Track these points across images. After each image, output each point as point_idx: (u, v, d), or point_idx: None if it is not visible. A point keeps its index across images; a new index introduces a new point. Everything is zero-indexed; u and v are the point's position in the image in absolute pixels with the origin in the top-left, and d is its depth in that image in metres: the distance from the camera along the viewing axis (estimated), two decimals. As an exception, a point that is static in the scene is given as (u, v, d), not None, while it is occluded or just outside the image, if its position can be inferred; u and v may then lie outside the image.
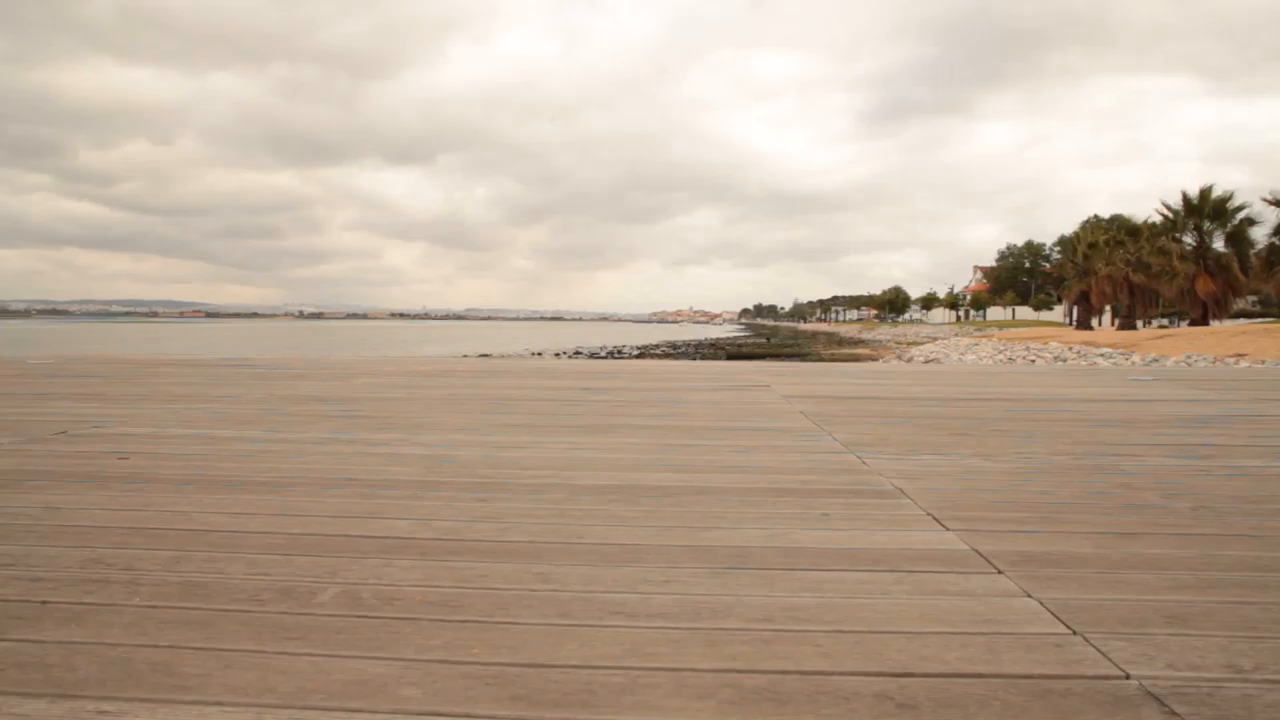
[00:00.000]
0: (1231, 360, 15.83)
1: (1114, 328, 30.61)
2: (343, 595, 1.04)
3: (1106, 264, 29.38)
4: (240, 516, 1.44)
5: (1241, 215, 25.25)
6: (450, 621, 0.95)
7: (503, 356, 19.84)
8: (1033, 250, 59.78)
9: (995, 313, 59.55)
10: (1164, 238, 26.87)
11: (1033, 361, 18.49)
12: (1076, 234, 34.02)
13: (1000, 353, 21.56)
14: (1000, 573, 1.15)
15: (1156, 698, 0.77)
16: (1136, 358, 17.71)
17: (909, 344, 34.84)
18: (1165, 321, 33.74)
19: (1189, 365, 14.57)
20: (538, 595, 1.04)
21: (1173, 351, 18.21)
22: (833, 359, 26.41)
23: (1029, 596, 1.05)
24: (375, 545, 1.27)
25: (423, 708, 0.75)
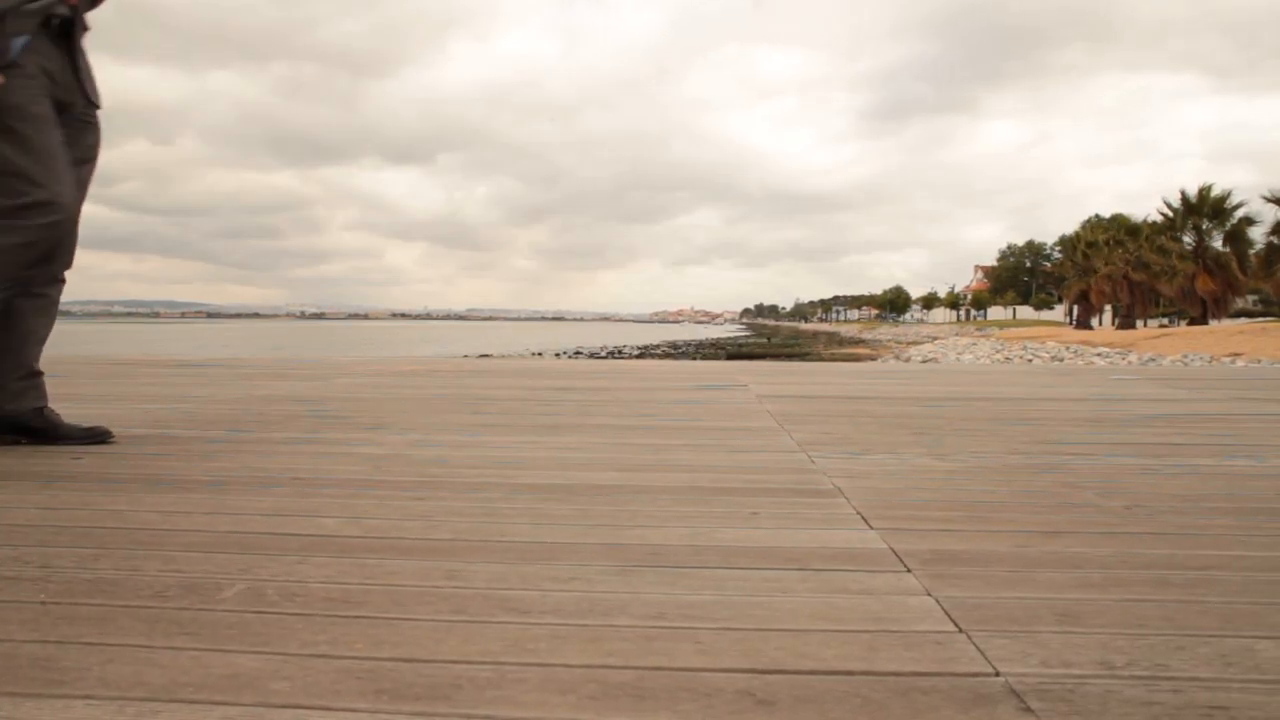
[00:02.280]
0: (1228, 360, 15.82)
1: (1114, 327, 30.59)
2: (247, 592, 1.05)
3: (1106, 263, 29.37)
4: (173, 515, 1.45)
5: (1240, 214, 25.22)
6: (344, 617, 0.96)
7: (503, 357, 19.86)
8: (1034, 250, 59.72)
9: (996, 312, 59.49)
10: (1163, 237, 26.85)
11: (1030, 361, 18.49)
12: (1077, 233, 34.02)
13: (998, 352, 21.54)
14: (908, 571, 1.15)
15: (1017, 694, 0.78)
16: (1133, 357, 17.71)
17: (908, 344, 34.84)
18: (1165, 321, 33.71)
19: (1185, 364, 14.56)
20: (440, 592, 1.06)
21: (1170, 351, 18.21)
22: (832, 359, 26.42)
23: (928, 595, 1.06)
24: (297, 543, 1.28)
25: (287, 700, 0.76)
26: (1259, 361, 14.70)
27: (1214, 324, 24.49)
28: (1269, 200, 22.78)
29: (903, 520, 1.44)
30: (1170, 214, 26.51)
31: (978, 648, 0.89)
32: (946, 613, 0.99)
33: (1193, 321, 25.69)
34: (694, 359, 26.50)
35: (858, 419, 2.86)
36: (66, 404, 3.18)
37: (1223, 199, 24.90)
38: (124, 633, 0.91)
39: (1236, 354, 16.78)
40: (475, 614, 0.98)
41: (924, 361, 20.77)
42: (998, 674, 0.83)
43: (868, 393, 3.92)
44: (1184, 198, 25.51)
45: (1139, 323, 29.39)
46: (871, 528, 1.39)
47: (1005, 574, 1.15)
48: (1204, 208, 25.12)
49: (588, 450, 2.16)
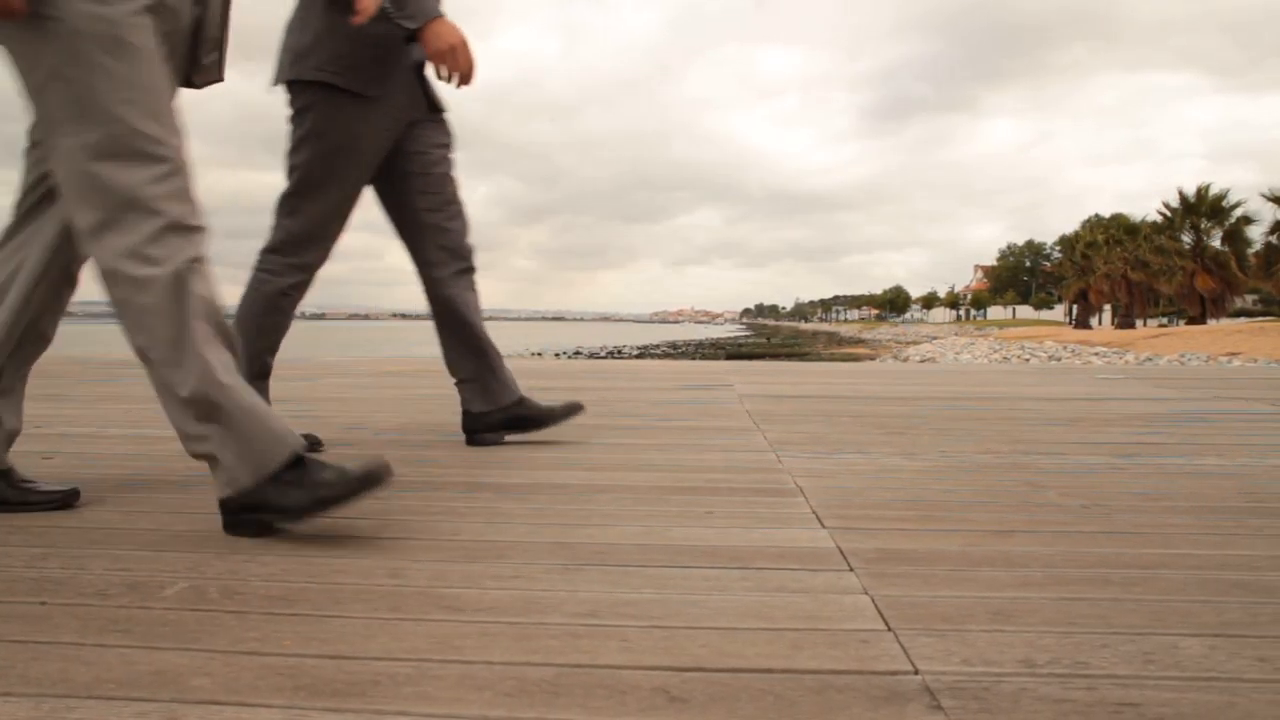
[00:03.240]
0: (1225, 359, 15.82)
1: (1113, 327, 30.58)
2: (189, 590, 1.06)
3: (1105, 263, 29.36)
4: (133, 515, 1.46)
5: (1238, 213, 25.22)
6: (279, 615, 0.97)
7: (506, 357, 19.82)
8: (1034, 249, 59.72)
9: (996, 312, 59.51)
10: (1162, 236, 26.85)
11: (1027, 360, 18.49)
12: (1076, 233, 34.05)
13: (995, 352, 21.54)
14: (850, 570, 1.16)
15: (932, 692, 0.79)
16: (1131, 356, 17.71)
17: (907, 343, 34.86)
18: (1165, 321, 33.70)
19: (1182, 364, 14.56)
20: (379, 590, 1.06)
21: (1168, 350, 18.20)
22: (831, 358, 26.44)
23: (865, 594, 1.06)
24: (249, 542, 1.28)
25: (203, 697, 0.76)
26: (1255, 361, 14.70)
27: (1212, 323, 24.49)
28: (1269, 199, 22.78)
29: (857, 520, 1.45)
30: (1169, 213, 26.53)
31: (903, 646, 0.89)
32: (879, 612, 1.00)
33: (1191, 321, 25.70)
34: (693, 359, 26.53)
35: (835, 418, 2.86)
36: (49, 404, 3.19)
37: (1220, 198, 24.93)
38: (57, 630, 0.92)
39: (1234, 353, 16.78)
40: (409, 612, 0.99)
41: (922, 361, 20.78)
42: (917, 672, 0.83)
43: (851, 392, 3.92)
44: (1182, 197, 25.55)
45: (1139, 322, 29.40)
46: (824, 527, 1.39)
47: (947, 573, 1.16)
48: (1202, 207, 25.15)
49: (558, 449, 2.17)
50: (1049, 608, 1.02)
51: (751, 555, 1.22)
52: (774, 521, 1.43)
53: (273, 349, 2.19)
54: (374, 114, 1.98)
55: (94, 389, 3.86)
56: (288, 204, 2.03)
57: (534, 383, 4.33)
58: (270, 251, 2.06)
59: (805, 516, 1.47)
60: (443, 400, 3.46)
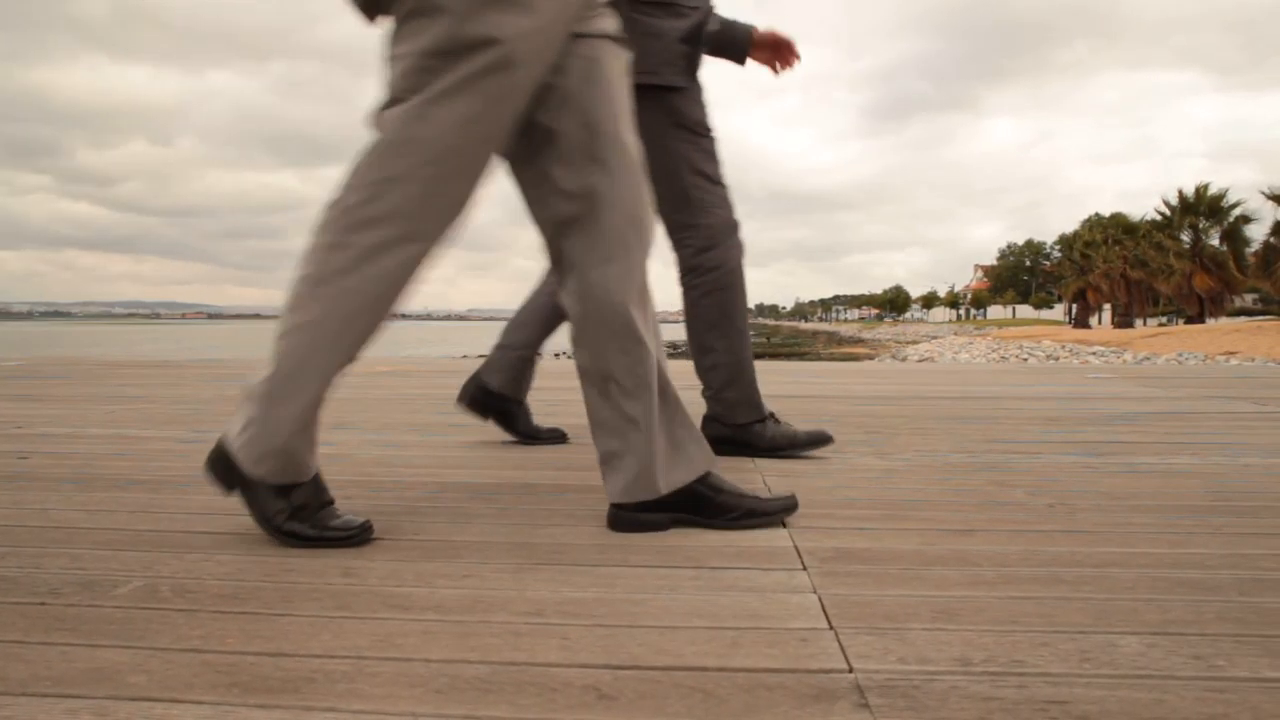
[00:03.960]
0: (1223, 358, 15.83)
1: (1112, 326, 30.58)
2: (142, 589, 1.07)
3: (1104, 262, 29.37)
4: (98, 514, 1.47)
5: (1237, 213, 25.23)
6: (227, 613, 0.98)
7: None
8: (1033, 249, 59.72)
9: (996, 311, 59.51)
10: (1161, 235, 26.86)
11: (1025, 360, 18.49)
12: (1076, 232, 34.07)
13: (994, 351, 21.54)
14: (803, 569, 1.17)
15: (861, 690, 0.79)
16: (1128, 356, 17.71)
17: (907, 343, 34.87)
18: (1164, 320, 33.69)
19: (1180, 363, 14.56)
20: (331, 588, 1.07)
21: (1165, 349, 18.20)
22: (830, 358, 26.44)
23: (813, 593, 1.07)
24: (210, 541, 1.29)
25: (137, 693, 0.77)
26: (1253, 360, 14.71)
27: (1211, 323, 24.50)
28: (1268, 197, 22.78)
29: (819, 519, 1.46)
30: (1168, 212, 26.56)
31: (841, 645, 0.90)
32: (824, 610, 1.00)
33: (1190, 320, 25.71)
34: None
35: (816, 418, 2.87)
36: (33, 405, 3.20)
37: (1219, 197, 24.95)
38: (4, 629, 0.93)
39: (1231, 352, 16.78)
40: (357, 610, 0.99)
41: (920, 360, 20.79)
42: (851, 670, 0.84)
43: (837, 391, 3.93)
44: (1181, 196, 25.57)
45: (1138, 322, 29.41)
46: (784, 526, 1.40)
47: (899, 572, 1.16)
48: (1200, 206, 25.17)
49: (534, 450, 2.17)
50: (995, 606, 1.03)
51: (707, 555, 1.23)
52: (736, 521, 1.44)
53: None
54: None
55: (80, 389, 3.87)
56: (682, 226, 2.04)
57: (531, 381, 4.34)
58: (691, 272, 2.08)
59: (768, 516, 1.47)
60: (429, 400, 3.46)
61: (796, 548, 1.27)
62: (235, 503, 1.55)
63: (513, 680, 0.80)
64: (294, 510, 1.26)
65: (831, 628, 0.95)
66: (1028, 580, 1.14)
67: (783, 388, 4.14)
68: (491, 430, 2.50)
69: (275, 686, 0.79)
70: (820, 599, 1.04)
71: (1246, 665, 0.87)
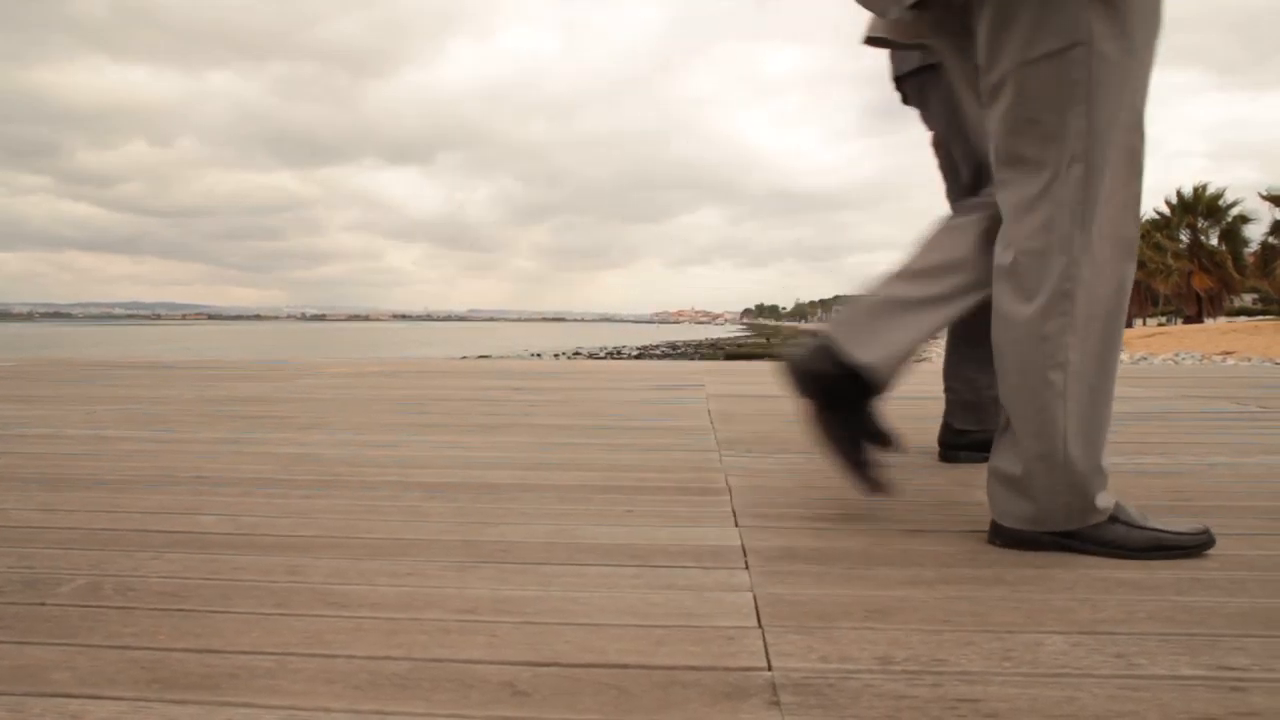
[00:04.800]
0: (1219, 358, 15.83)
1: (1110, 327, 30.54)
2: (85, 587, 1.08)
3: (1102, 263, 29.35)
4: (56, 514, 1.48)
5: (1235, 213, 25.24)
6: (165, 610, 0.99)
7: (502, 358, 19.87)
8: (1033, 249, 59.76)
9: (996, 312, 59.53)
10: (1159, 234, 26.85)
11: (1022, 361, 18.48)
12: (1075, 233, 34.11)
13: (991, 352, 21.57)
14: (745, 569, 1.17)
15: (775, 688, 0.80)
16: (1124, 355, 17.71)
17: (905, 343, 34.90)
18: (1164, 319, 33.66)
19: (1176, 363, 14.55)
20: (273, 586, 1.08)
21: (1162, 349, 18.20)
22: (829, 358, 26.38)
23: (749, 591, 1.08)
24: (162, 540, 1.30)
25: (58, 690, 0.78)
26: (1249, 359, 14.71)
27: (1209, 322, 24.50)
28: (1265, 198, 22.79)
29: (774, 519, 1.46)
30: (1167, 212, 26.58)
31: (766, 643, 0.91)
32: (757, 609, 1.01)
33: (1188, 320, 25.71)
34: (691, 359, 26.55)
35: (794, 419, 2.88)
36: (15, 406, 3.21)
37: (1217, 197, 24.98)
38: (-61, 627, 0.94)
39: (1228, 352, 16.78)
40: (294, 608, 1.00)
41: (917, 360, 20.76)
42: (770, 669, 0.85)
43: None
44: (1179, 196, 25.59)
45: (1136, 321, 29.39)
46: (737, 525, 1.41)
47: (842, 571, 1.17)
48: (1199, 206, 25.19)
49: (506, 450, 2.18)
50: (930, 606, 1.04)
51: (653, 553, 1.24)
52: (689, 520, 1.44)
53: None
54: None
55: (67, 390, 3.88)
56: None
57: (509, 383, 4.35)
58: None
59: (723, 515, 1.48)
60: (412, 401, 3.47)
61: (744, 547, 1.28)
62: (196, 503, 1.56)
63: (431, 676, 0.81)
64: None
65: (760, 626, 0.95)
66: (968, 580, 1.15)
67: (771, 388, 4.14)
68: (463, 431, 2.51)
69: (196, 683, 0.80)
70: (755, 598, 1.05)
71: (1166, 663, 0.88)
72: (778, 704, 0.77)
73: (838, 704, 0.77)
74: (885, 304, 1.46)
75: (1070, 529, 1.28)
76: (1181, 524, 1.31)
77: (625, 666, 0.84)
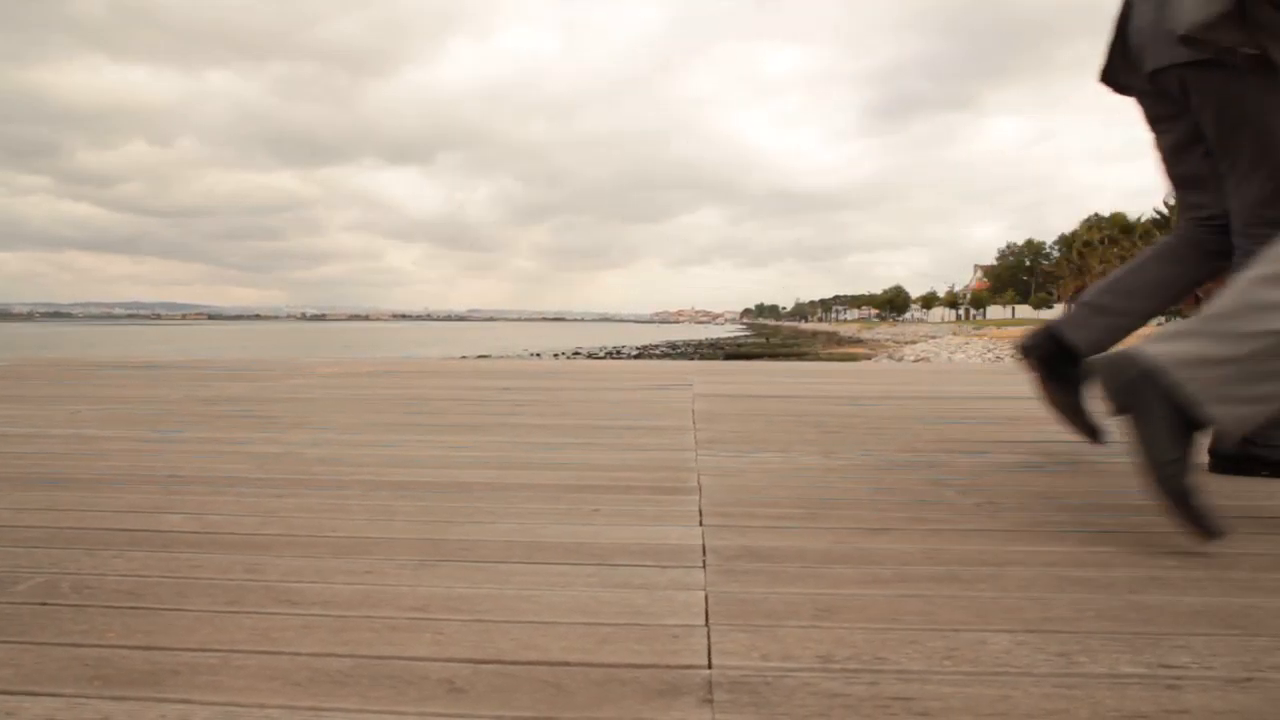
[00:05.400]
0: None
1: (1109, 327, 30.61)
2: (42, 585, 1.08)
3: (1101, 261, 29.37)
4: (24, 513, 1.48)
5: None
6: (118, 608, 0.99)
7: (502, 357, 19.86)
8: (1033, 249, 59.71)
9: (995, 311, 59.49)
10: (1158, 233, 26.85)
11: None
12: (1074, 232, 34.10)
13: (989, 351, 21.52)
14: (702, 567, 1.18)
15: (711, 686, 0.81)
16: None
17: (905, 343, 34.88)
18: (1162, 319, 33.69)
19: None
20: (229, 584, 1.08)
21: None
22: (830, 358, 26.45)
23: (702, 590, 1.08)
24: (126, 538, 1.31)
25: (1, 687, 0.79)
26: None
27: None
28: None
29: (739, 518, 1.47)
30: (1165, 211, 26.61)
31: (710, 642, 0.91)
32: (707, 608, 1.02)
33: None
34: (690, 359, 26.59)
35: (776, 418, 2.88)
36: (4, 405, 3.22)
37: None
38: (-108, 624, 0.94)
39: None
40: (246, 605, 1.01)
41: (915, 360, 20.79)
42: (710, 667, 0.85)
43: (809, 392, 3.94)
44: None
45: (1135, 322, 29.45)
46: (701, 524, 1.41)
47: (797, 570, 1.18)
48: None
49: (484, 449, 2.19)
50: (880, 605, 1.04)
51: (612, 552, 1.24)
52: (654, 519, 1.45)
53: None
54: None
55: (56, 389, 3.88)
56: None
57: (499, 383, 4.36)
58: None
59: (689, 514, 1.49)
60: (398, 400, 3.48)
61: (704, 546, 1.28)
62: (166, 501, 1.57)
63: (371, 674, 0.82)
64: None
65: (707, 625, 0.96)
66: (924, 579, 1.15)
67: (759, 388, 4.15)
68: (443, 431, 2.52)
69: (137, 679, 0.80)
70: (707, 597, 1.05)
71: (1107, 662, 0.88)
72: (711, 701, 0.78)
73: (770, 702, 0.78)
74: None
75: None
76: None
77: (566, 664, 0.85)
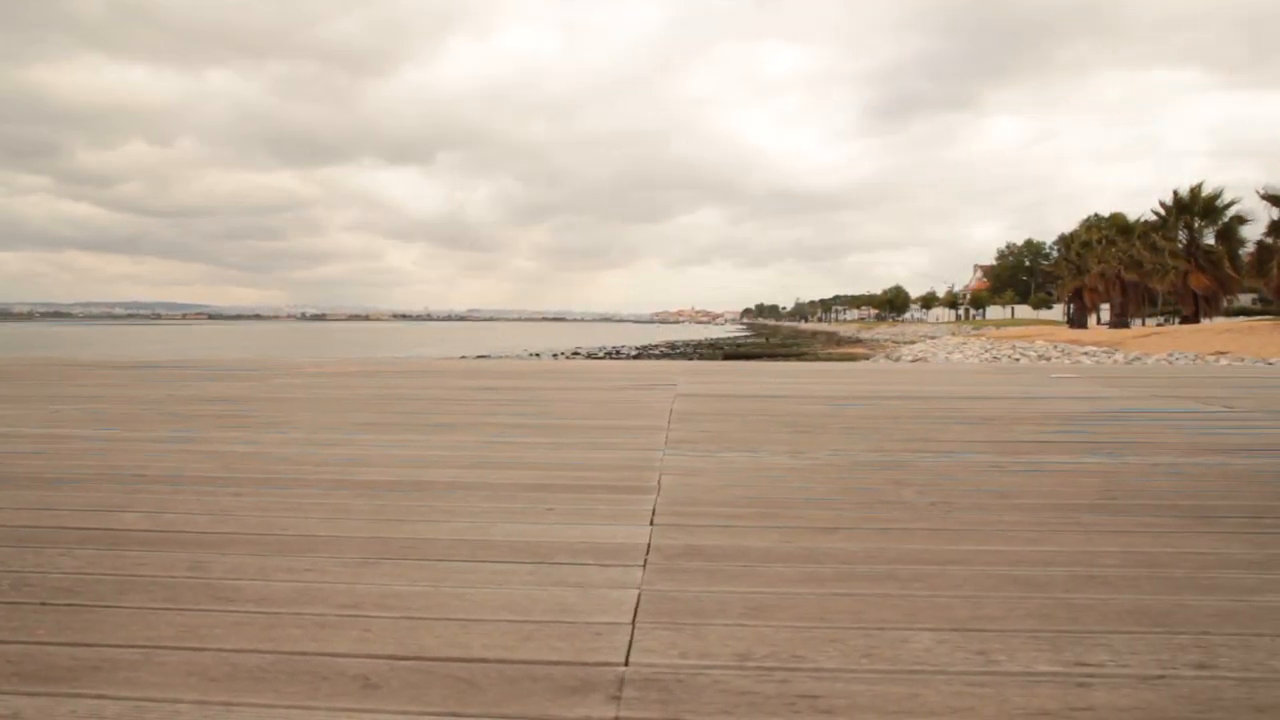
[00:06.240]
0: (1213, 358, 15.83)
1: (1109, 325, 30.53)
2: (-16, 583, 1.09)
3: (1099, 262, 29.37)
4: (-16, 510, 1.49)
5: (1232, 212, 25.24)
6: (53, 605, 1.01)
7: (501, 357, 19.89)
8: (1033, 249, 59.68)
9: (995, 311, 59.48)
10: (1156, 235, 26.86)
11: (1017, 360, 18.48)
12: (1073, 232, 34.09)
13: (987, 351, 21.50)
14: (642, 566, 1.19)
15: (621, 683, 0.82)
16: (1120, 355, 17.71)
17: (903, 343, 34.87)
18: (1162, 319, 33.62)
19: (1171, 363, 14.57)
20: (169, 581, 1.09)
21: (1157, 349, 18.19)
22: (829, 358, 26.45)
23: (636, 589, 1.09)
24: (78, 536, 1.32)
25: (-82, 685, 0.80)
26: (1242, 360, 14.71)
27: (1206, 322, 24.52)
28: (1263, 197, 22.78)
29: (691, 517, 1.48)
30: (1163, 212, 26.63)
31: (632, 640, 0.92)
32: (637, 606, 1.03)
33: (1184, 320, 25.74)
34: (690, 359, 26.59)
35: (752, 418, 2.89)
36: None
37: (1214, 197, 25.03)
38: None
39: (1222, 352, 16.78)
40: (182, 603, 1.02)
41: (913, 360, 20.78)
42: (626, 664, 0.86)
43: (792, 392, 3.95)
44: (1176, 196, 25.65)
45: (1135, 321, 29.42)
46: (652, 524, 1.42)
47: (737, 569, 1.18)
48: (1195, 206, 25.23)
49: (452, 449, 2.20)
50: (810, 603, 1.05)
51: (555, 551, 1.25)
52: (606, 518, 1.46)
53: None
54: None
55: (42, 389, 3.90)
56: None
57: (483, 383, 4.37)
58: None
59: (642, 514, 1.50)
60: (378, 400, 3.49)
61: (649, 545, 1.29)
62: (127, 500, 1.58)
63: (289, 670, 0.83)
64: None
65: (633, 623, 0.97)
66: (862, 578, 1.16)
67: (742, 388, 4.16)
68: (416, 430, 2.53)
69: (58, 675, 0.81)
70: (640, 595, 1.06)
71: (1024, 660, 0.89)
72: (619, 699, 0.78)
73: (679, 699, 0.79)
74: None
75: None
76: None
77: (484, 661, 0.86)
